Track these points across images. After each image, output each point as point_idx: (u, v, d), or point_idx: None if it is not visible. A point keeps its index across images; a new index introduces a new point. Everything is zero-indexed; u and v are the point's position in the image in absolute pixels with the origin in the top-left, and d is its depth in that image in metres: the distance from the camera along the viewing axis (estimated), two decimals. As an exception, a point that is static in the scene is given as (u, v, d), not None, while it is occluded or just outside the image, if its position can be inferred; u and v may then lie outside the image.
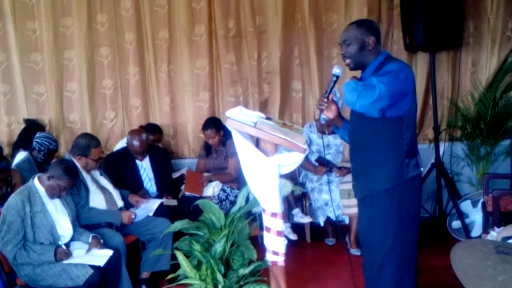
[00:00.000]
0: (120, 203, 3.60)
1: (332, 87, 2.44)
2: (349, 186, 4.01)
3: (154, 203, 3.79)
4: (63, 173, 3.01)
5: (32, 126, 4.21)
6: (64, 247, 3.06)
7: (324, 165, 4.20)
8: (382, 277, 2.45)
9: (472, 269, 1.66)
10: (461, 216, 4.20)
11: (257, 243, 3.63)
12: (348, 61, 2.43)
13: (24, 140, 4.05)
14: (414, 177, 2.43)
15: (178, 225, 2.54)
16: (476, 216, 4.23)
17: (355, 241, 4.11)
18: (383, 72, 2.30)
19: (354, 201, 3.90)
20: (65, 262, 2.96)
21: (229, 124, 2.27)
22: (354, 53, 2.40)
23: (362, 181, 2.50)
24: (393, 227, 2.40)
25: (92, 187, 3.47)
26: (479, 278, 1.61)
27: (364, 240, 2.55)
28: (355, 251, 4.04)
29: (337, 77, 2.42)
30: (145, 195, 3.94)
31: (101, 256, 3.02)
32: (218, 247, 2.37)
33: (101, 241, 3.16)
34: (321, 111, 2.46)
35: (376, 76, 2.27)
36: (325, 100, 2.42)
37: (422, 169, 2.55)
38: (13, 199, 2.96)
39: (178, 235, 2.89)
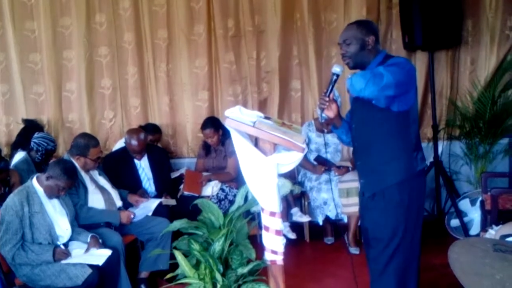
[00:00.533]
0: (119, 203, 3.60)
1: (333, 86, 2.44)
2: (348, 185, 4.04)
3: (153, 203, 3.79)
4: (61, 173, 3.00)
5: (31, 126, 4.21)
6: (62, 247, 3.06)
7: (323, 164, 4.20)
8: (388, 271, 2.47)
9: (470, 267, 1.66)
10: (460, 214, 4.21)
11: (256, 242, 3.64)
12: (348, 60, 2.44)
13: (22, 140, 4.05)
14: (422, 171, 2.48)
15: (177, 224, 2.54)
16: (474, 215, 4.23)
17: (354, 239, 4.12)
18: (388, 64, 2.33)
19: (352, 200, 3.95)
20: (64, 262, 2.96)
21: (228, 124, 2.27)
22: (355, 52, 2.42)
23: (372, 177, 2.51)
24: (404, 222, 2.43)
25: (90, 187, 3.47)
26: (477, 276, 1.61)
27: (373, 235, 2.54)
28: (354, 250, 4.05)
29: (337, 75, 2.42)
30: (144, 194, 3.94)
31: (100, 256, 3.02)
32: (217, 246, 2.37)
33: (100, 241, 3.16)
34: (322, 110, 2.47)
35: (383, 66, 2.30)
36: (326, 99, 2.43)
37: (427, 162, 2.57)
38: (12, 199, 2.95)
39: (177, 234, 2.89)
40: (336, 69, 2.41)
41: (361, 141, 2.55)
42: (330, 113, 2.49)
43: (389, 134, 2.40)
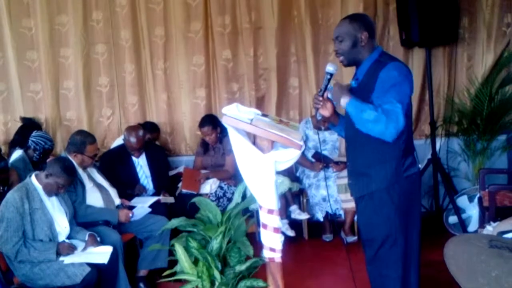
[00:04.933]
0: (117, 201, 3.60)
1: (327, 85, 2.41)
2: (347, 180, 4.04)
3: (149, 201, 3.76)
4: (61, 171, 3.00)
5: (29, 125, 4.21)
6: (67, 241, 3.05)
7: (321, 161, 4.20)
8: (387, 271, 2.45)
9: (465, 264, 1.66)
10: (458, 211, 4.22)
11: (254, 239, 3.64)
12: (341, 58, 2.40)
13: (20, 138, 4.04)
14: (412, 175, 2.41)
15: (175, 222, 2.54)
16: (472, 211, 4.24)
17: (349, 230, 4.17)
18: (386, 85, 2.24)
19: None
20: (67, 261, 2.93)
21: (225, 121, 2.26)
22: (347, 49, 2.36)
23: (359, 180, 2.46)
24: (396, 221, 2.39)
25: (88, 185, 3.47)
26: (472, 273, 1.61)
27: (367, 236, 2.52)
28: (350, 238, 4.09)
29: (331, 75, 2.39)
30: (142, 190, 3.95)
31: (103, 254, 3.01)
32: (215, 244, 2.37)
33: (98, 239, 3.15)
34: (317, 109, 2.43)
35: (385, 97, 2.22)
36: (320, 98, 2.40)
37: (420, 166, 2.53)
38: (12, 195, 2.94)
39: (175, 232, 2.89)
40: (330, 68, 2.37)
41: (350, 142, 2.51)
42: (326, 112, 2.41)
43: (375, 137, 2.29)
